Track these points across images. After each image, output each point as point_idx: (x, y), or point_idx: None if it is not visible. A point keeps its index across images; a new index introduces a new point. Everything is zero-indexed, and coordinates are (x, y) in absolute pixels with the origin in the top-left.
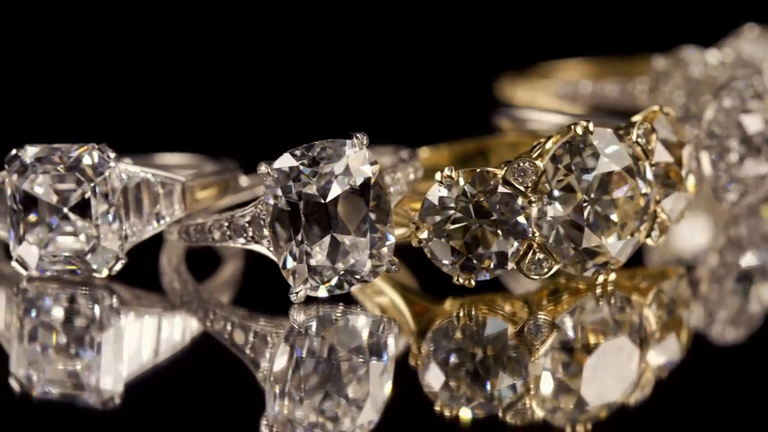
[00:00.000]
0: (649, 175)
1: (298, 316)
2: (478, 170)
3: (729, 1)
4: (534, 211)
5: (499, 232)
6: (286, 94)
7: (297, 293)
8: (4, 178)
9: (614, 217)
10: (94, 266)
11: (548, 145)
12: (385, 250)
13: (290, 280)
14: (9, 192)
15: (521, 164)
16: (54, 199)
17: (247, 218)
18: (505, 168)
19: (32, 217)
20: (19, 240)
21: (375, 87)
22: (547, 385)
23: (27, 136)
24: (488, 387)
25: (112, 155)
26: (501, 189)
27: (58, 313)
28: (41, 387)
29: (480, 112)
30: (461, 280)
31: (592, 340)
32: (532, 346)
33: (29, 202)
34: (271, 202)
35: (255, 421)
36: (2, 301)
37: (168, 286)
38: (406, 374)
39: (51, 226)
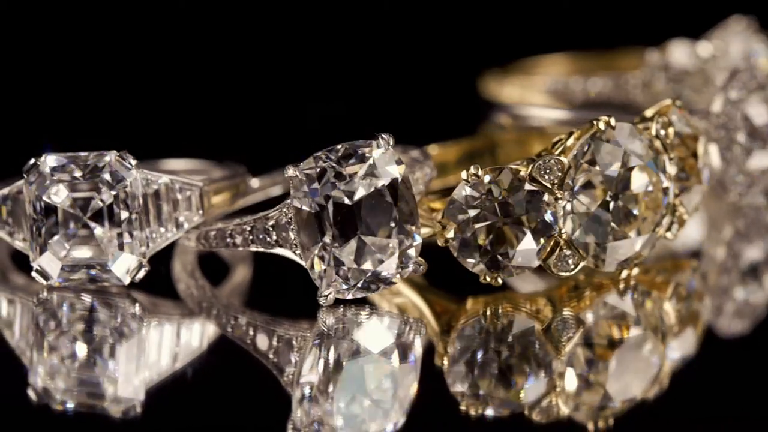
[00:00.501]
0: (669, 169)
1: (327, 319)
2: (504, 168)
3: None
4: (560, 207)
5: (526, 229)
6: (267, 96)
7: (326, 296)
8: (21, 188)
9: (636, 211)
10: (117, 274)
11: (570, 141)
12: (412, 251)
13: (318, 283)
14: (28, 202)
15: (547, 161)
16: (75, 208)
17: (271, 222)
18: (532, 165)
19: (53, 227)
20: (40, 250)
21: (356, 87)
22: (573, 382)
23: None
24: (514, 385)
25: (133, 162)
26: (527, 186)
27: (79, 322)
28: (61, 397)
29: (465, 110)
30: (488, 279)
31: (618, 335)
32: (559, 343)
33: (49, 211)
34: (298, 205)
35: (281, 426)
36: (22, 311)
37: (184, 292)
38: (431, 374)
39: (72, 235)
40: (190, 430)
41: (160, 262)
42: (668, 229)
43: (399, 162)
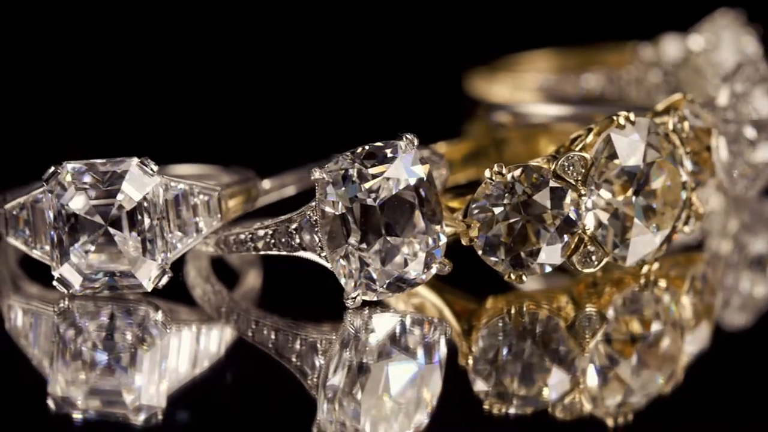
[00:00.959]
0: (686, 163)
1: (355, 321)
2: (527, 165)
3: None
4: (584, 203)
5: (550, 226)
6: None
7: (353, 298)
8: (39, 197)
9: (656, 206)
10: (141, 282)
11: (590, 137)
12: (437, 251)
13: (344, 285)
14: (50, 210)
15: (571, 157)
16: (96, 215)
17: (294, 225)
18: (555, 162)
19: (74, 235)
20: (61, 259)
21: (338, 88)
22: (596, 379)
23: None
24: (538, 383)
25: (155, 167)
26: (552, 183)
27: (100, 330)
28: (82, 406)
29: (449, 109)
30: (512, 277)
31: (639, 331)
32: (583, 340)
33: (71, 219)
34: (323, 207)
35: (306, 430)
36: (39, 320)
37: (201, 298)
38: (455, 374)
39: (94, 243)
40: None
41: (175, 268)
42: (685, 223)
43: (423, 161)
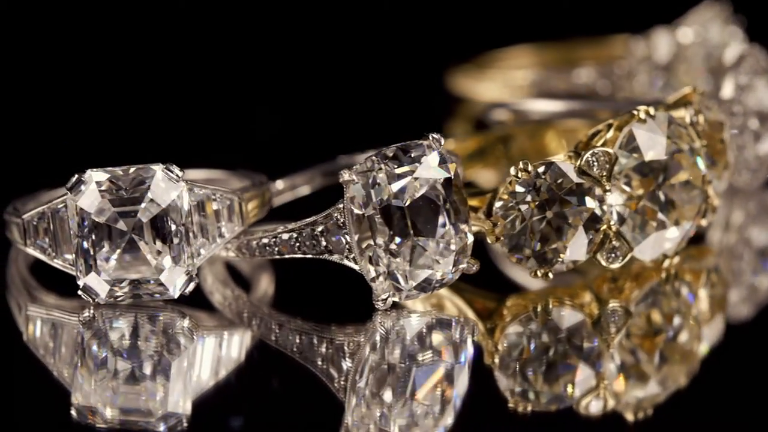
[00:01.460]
0: (703, 156)
1: (386, 323)
2: (552, 162)
3: None
4: (609, 199)
5: (576, 223)
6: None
7: (384, 300)
8: (59, 206)
9: (677, 200)
10: (168, 289)
11: (610, 132)
12: (465, 250)
13: (374, 287)
14: (73, 219)
15: (595, 153)
16: (122, 223)
17: (320, 228)
18: (580, 158)
19: (100, 244)
20: (86, 268)
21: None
22: (620, 375)
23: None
24: (564, 381)
25: (180, 173)
26: (577, 179)
27: (125, 338)
28: (106, 415)
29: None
30: (539, 274)
31: (662, 326)
32: (608, 336)
33: (96, 228)
34: (351, 208)
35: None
36: (60, 329)
37: (221, 304)
38: (481, 373)
39: (120, 251)
40: None
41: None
42: (703, 216)
43: (450, 161)
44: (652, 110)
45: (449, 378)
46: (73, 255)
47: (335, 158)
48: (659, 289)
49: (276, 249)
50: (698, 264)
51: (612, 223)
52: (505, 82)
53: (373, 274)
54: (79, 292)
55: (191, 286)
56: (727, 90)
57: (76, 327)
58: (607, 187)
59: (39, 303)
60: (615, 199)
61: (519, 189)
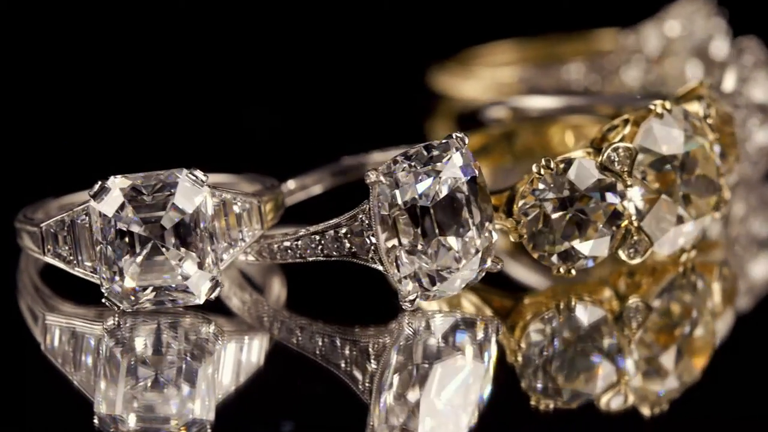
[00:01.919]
0: (717, 150)
1: (413, 323)
2: (574, 159)
3: None
4: (630, 194)
5: (598, 219)
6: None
7: (411, 301)
8: (81, 213)
9: (694, 194)
10: (194, 294)
11: (628, 128)
12: (489, 249)
13: (400, 288)
14: (97, 226)
15: (616, 148)
16: (147, 230)
17: (344, 230)
18: (601, 154)
19: (125, 251)
20: (111, 275)
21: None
22: (640, 370)
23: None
24: (587, 378)
25: (204, 178)
26: (599, 175)
27: (153, 346)
28: (129, 423)
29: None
30: (561, 271)
31: (681, 319)
32: (631, 332)
33: (121, 235)
34: (377, 209)
35: None
36: (83, 338)
37: (240, 309)
38: (505, 371)
39: (146, 258)
40: None
41: None
42: (716, 209)
43: (474, 160)
44: (668, 104)
45: (475, 377)
46: (96, 262)
47: (339, 159)
48: (679, 284)
49: (298, 252)
50: (707, 257)
51: (633, 218)
52: (491, 80)
53: (399, 275)
54: (103, 300)
55: (217, 291)
56: (729, 82)
57: (98, 335)
58: (629, 183)
59: (57, 312)
60: (634, 194)
61: (542, 186)
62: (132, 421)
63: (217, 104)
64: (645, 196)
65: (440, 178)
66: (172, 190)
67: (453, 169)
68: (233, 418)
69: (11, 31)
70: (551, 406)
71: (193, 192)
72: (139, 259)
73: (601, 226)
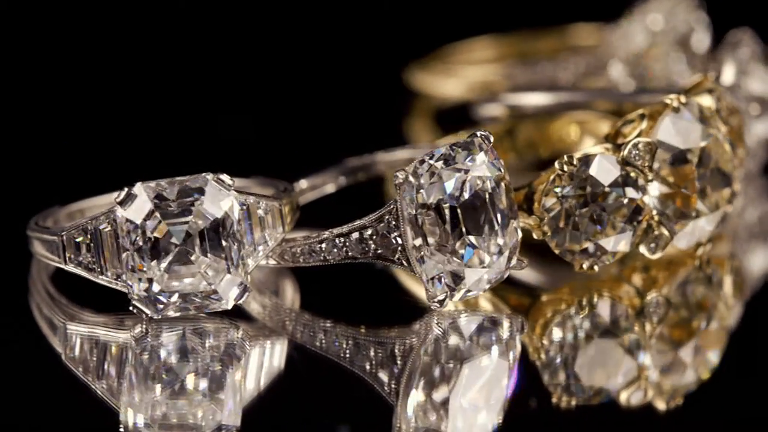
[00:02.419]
0: (728, 143)
1: (442, 323)
2: (596, 155)
3: None
4: (650, 189)
5: (620, 215)
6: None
7: (441, 301)
8: (103, 221)
9: (711, 187)
10: (222, 300)
11: (644, 123)
12: (515, 247)
13: (429, 288)
14: (124, 233)
15: (637, 144)
16: (176, 236)
17: (369, 231)
18: (622, 149)
19: (153, 258)
20: (138, 282)
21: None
22: (659, 364)
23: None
24: (610, 373)
25: (231, 182)
26: (621, 171)
27: (180, 352)
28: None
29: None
30: (585, 267)
31: (705, 313)
32: (651, 326)
33: (149, 241)
34: (404, 210)
35: None
36: (110, 346)
37: (261, 313)
38: (527, 368)
39: (174, 264)
40: None
41: None
42: (730, 201)
43: (498, 158)
44: (684, 98)
45: (502, 376)
46: (121, 270)
47: (342, 162)
48: (697, 277)
49: (322, 255)
50: (716, 250)
51: (654, 213)
52: (473, 77)
53: (426, 275)
54: (130, 308)
55: (245, 296)
56: (728, 76)
57: (123, 343)
58: (650, 177)
59: (78, 320)
60: (652, 189)
61: (563, 183)
62: (158, 429)
63: (192, 108)
64: (663, 190)
65: (466, 177)
66: (200, 196)
67: (479, 167)
68: (260, 423)
69: None
70: (573, 402)
71: (220, 197)
72: (167, 265)
73: (623, 221)
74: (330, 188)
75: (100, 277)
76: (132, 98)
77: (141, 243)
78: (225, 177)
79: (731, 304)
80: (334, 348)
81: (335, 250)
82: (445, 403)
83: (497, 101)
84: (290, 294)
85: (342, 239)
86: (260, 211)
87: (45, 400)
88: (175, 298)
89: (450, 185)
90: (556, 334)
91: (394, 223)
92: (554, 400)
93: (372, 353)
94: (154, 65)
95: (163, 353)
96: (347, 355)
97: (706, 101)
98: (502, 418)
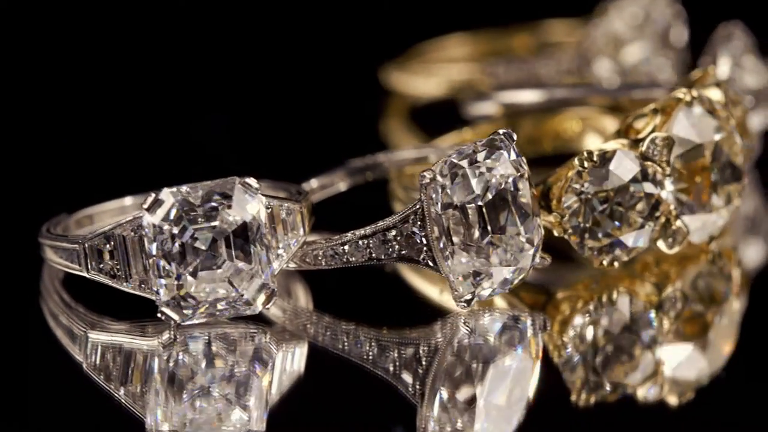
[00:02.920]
0: (738, 136)
1: (468, 323)
2: (616, 150)
3: None
4: (667, 184)
5: (639, 210)
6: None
7: (468, 301)
8: (127, 227)
9: (725, 181)
10: (252, 304)
11: (658, 117)
12: (539, 244)
13: (455, 287)
14: (151, 239)
15: (655, 139)
16: (201, 240)
17: (393, 232)
18: (641, 145)
19: (181, 263)
20: (166, 288)
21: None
22: (675, 360)
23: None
24: (630, 370)
25: (257, 186)
26: (640, 166)
27: (207, 358)
28: None
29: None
30: (605, 263)
31: (721, 306)
32: (670, 322)
33: (177, 248)
34: (431, 210)
35: None
36: (135, 353)
37: (280, 317)
38: (546, 365)
39: (202, 270)
40: None
41: None
42: (739, 194)
43: (520, 156)
44: (695, 92)
45: (525, 374)
46: (147, 276)
47: (345, 163)
48: (711, 271)
49: (345, 257)
50: (721, 243)
51: (671, 207)
52: (451, 75)
53: (452, 274)
54: (158, 314)
55: (273, 301)
56: (723, 69)
57: (147, 350)
58: (668, 172)
59: (99, 328)
60: (668, 184)
61: (583, 179)
62: None
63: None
64: (678, 184)
65: (491, 176)
66: (227, 201)
67: (503, 166)
68: (284, 427)
69: None
70: (592, 399)
71: (247, 201)
72: (196, 271)
73: (642, 217)
74: (333, 190)
75: (125, 284)
76: (121, 104)
77: (169, 249)
78: (251, 181)
79: (742, 298)
80: (357, 350)
81: (358, 251)
82: (470, 402)
83: (488, 99)
84: (303, 297)
85: (366, 241)
86: (283, 214)
87: (70, 410)
88: (202, 303)
89: (474, 184)
90: (579, 331)
91: (419, 223)
92: (574, 397)
93: (395, 354)
94: (135, 73)
95: (189, 360)
96: (370, 357)
97: (715, 95)
98: (528, 418)
